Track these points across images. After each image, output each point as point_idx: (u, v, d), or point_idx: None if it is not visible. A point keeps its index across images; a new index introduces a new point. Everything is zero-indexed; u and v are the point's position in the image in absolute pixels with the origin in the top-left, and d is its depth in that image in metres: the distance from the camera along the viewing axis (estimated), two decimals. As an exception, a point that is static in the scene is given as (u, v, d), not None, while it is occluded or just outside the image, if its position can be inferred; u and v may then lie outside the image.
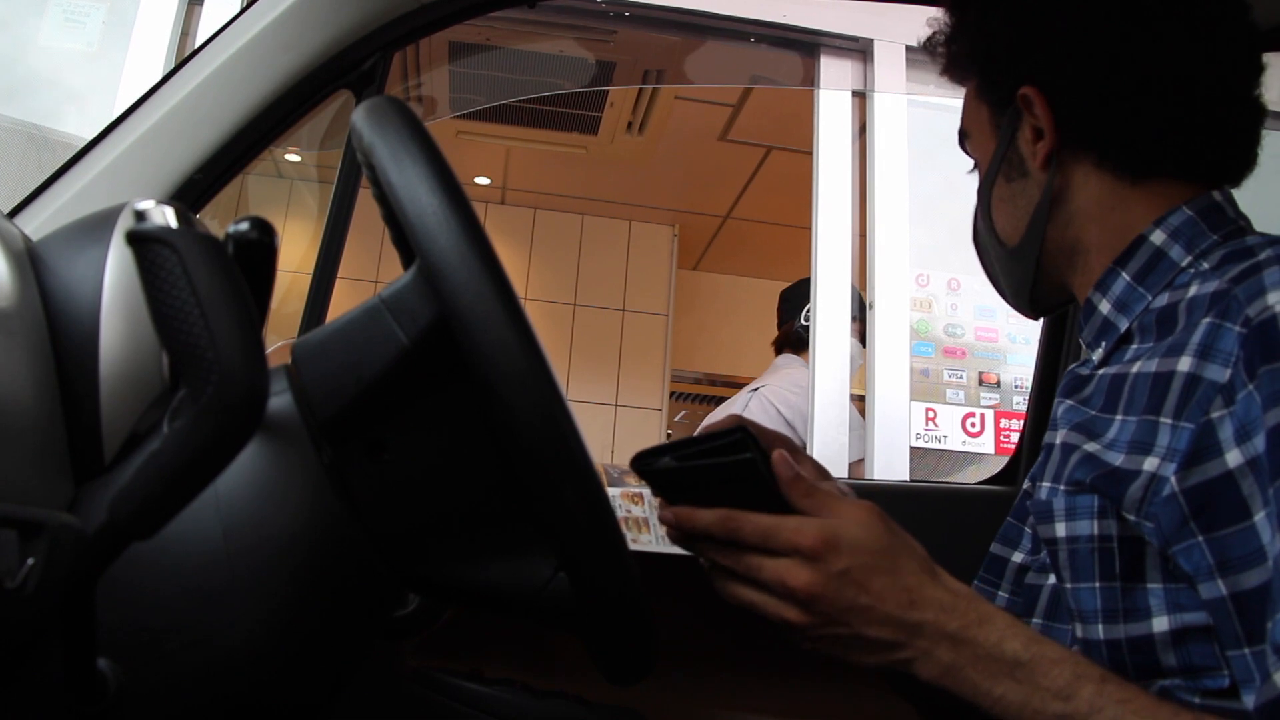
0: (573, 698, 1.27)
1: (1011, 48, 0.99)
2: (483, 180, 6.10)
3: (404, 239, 0.75)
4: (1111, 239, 0.96)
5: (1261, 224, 0.96)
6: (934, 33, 1.08)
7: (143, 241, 0.52)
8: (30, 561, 0.55)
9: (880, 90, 3.33)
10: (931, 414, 3.11)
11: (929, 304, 3.17)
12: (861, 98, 3.40)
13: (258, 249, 0.72)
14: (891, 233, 3.21)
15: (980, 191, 1.07)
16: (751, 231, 6.38)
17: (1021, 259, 1.03)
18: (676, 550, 1.31)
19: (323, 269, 1.44)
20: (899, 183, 3.27)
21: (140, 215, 0.54)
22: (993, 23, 1.01)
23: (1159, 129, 0.94)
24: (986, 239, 1.08)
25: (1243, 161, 0.97)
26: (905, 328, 3.13)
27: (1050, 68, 0.96)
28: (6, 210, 1.10)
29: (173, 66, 1.38)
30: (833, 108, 3.41)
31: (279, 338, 1.32)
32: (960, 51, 1.06)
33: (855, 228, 3.28)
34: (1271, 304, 0.77)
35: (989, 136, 1.04)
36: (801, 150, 3.72)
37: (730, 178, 5.73)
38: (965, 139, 1.09)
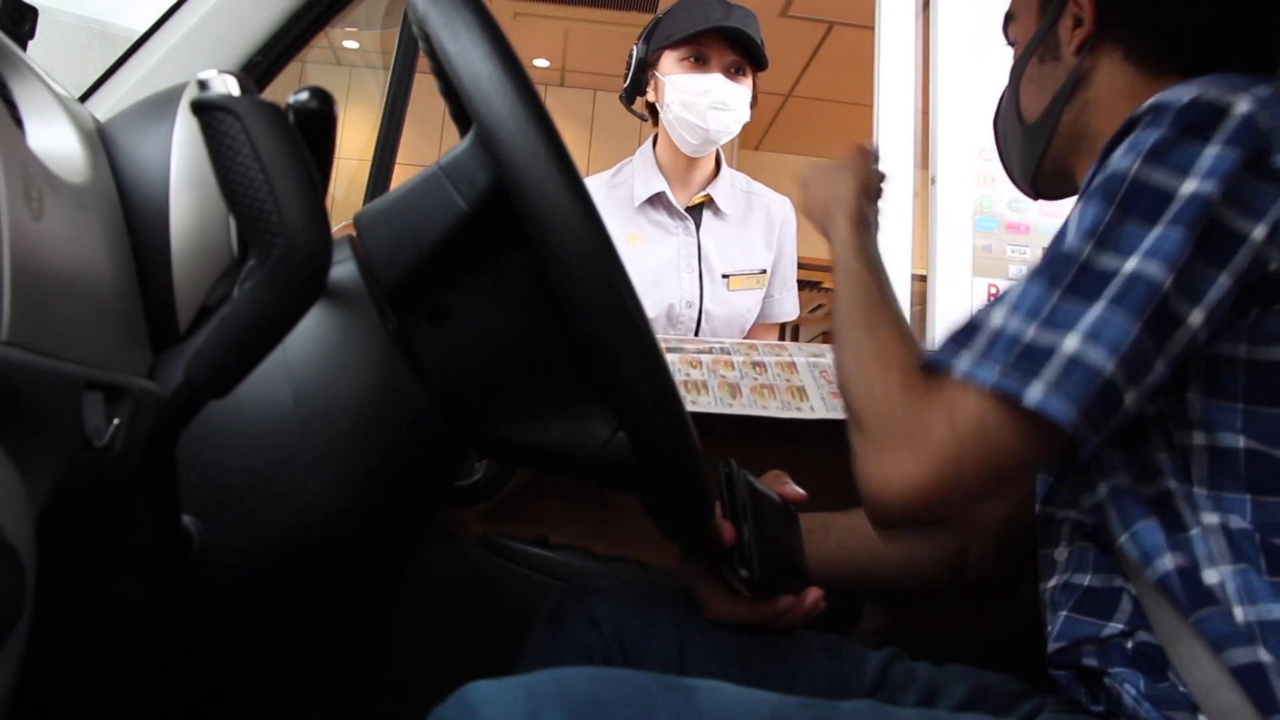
0: (634, 563, 1.31)
1: None
2: (541, 63, 6.05)
3: (461, 110, 0.76)
4: (1115, 126, 0.98)
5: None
6: None
7: (207, 110, 0.54)
8: (116, 422, 0.58)
9: (945, -40, 3.23)
10: (994, 289, 3.08)
11: (992, 179, 3.09)
12: (926, -32, 3.31)
13: (317, 118, 0.73)
14: (955, 107, 3.14)
15: (1013, 70, 1.14)
16: (813, 110, 6.28)
17: (1034, 137, 1.09)
18: (736, 410, 1.32)
19: (383, 150, 1.45)
20: (963, 56, 3.19)
21: (203, 85, 0.56)
22: None
23: (1191, 33, 0.98)
24: (1007, 116, 1.16)
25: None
26: (968, 203, 3.09)
27: None
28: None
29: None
30: (896, -21, 3.32)
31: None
32: None
33: (918, 104, 3.21)
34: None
35: (1033, 20, 1.10)
36: (864, 25, 3.64)
37: (791, 55, 5.63)
38: (1010, 21, 1.16)
